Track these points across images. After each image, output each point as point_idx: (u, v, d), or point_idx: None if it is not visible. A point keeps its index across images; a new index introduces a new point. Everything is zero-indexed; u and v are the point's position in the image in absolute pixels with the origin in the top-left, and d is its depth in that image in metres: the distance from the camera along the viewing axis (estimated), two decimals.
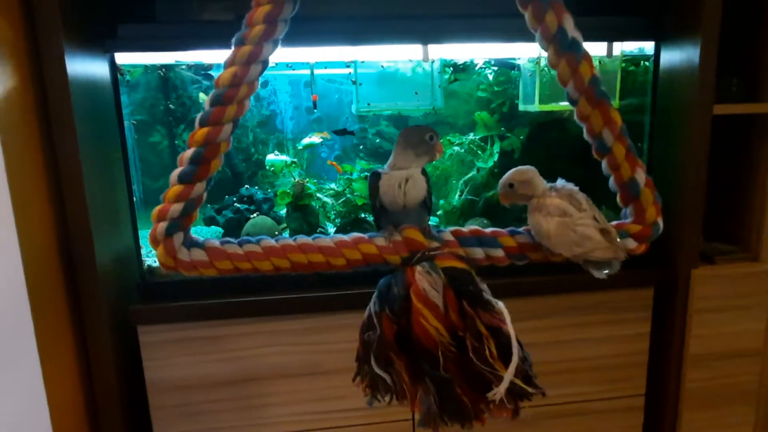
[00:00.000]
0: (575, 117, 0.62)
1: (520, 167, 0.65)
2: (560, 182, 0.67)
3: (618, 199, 0.65)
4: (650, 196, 0.63)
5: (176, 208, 0.57)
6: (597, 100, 0.58)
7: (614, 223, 0.65)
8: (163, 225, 0.57)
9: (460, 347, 0.58)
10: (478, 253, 0.63)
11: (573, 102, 0.60)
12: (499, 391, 0.56)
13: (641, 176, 0.62)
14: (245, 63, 0.57)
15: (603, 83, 1.39)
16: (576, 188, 0.66)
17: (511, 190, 0.64)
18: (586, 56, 0.58)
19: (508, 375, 0.57)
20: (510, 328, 0.59)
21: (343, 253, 0.61)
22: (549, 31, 0.56)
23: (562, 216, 0.61)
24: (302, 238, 0.62)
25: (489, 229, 0.65)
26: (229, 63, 0.57)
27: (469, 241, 0.63)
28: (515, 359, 0.57)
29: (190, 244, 0.60)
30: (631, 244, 0.65)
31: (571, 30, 0.56)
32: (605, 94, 0.60)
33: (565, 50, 0.57)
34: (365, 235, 0.63)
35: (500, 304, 0.60)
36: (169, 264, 0.59)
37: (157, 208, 0.58)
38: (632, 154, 0.61)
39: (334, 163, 1.39)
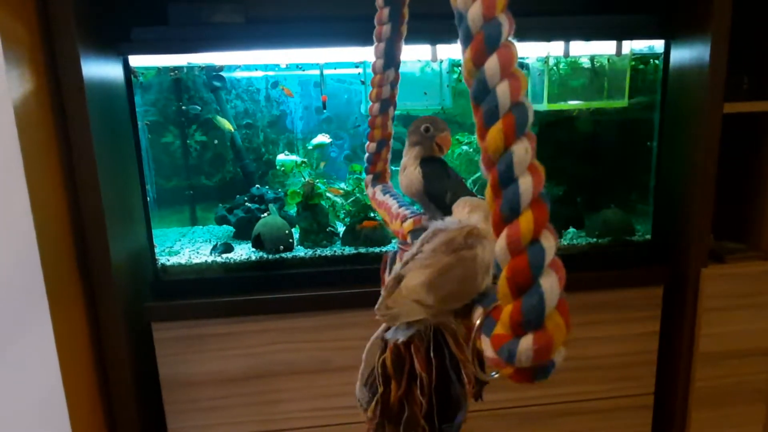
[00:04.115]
0: None
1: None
2: (448, 218, 0.48)
3: None
4: (505, 287, 0.32)
5: (367, 156, 0.78)
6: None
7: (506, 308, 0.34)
8: (364, 165, 0.80)
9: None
10: None
11: None
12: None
13: (501, 246, 0.32)
14: (375, 56, 0.72)
15: (612, 81, 1.40)
16: (442, 224, 0.46)
17: None
18: (474, 43, 0.33)
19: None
20: (364, 358, 0.54)
21: (391, 221, 0.67)
22: None
23: None
24: (392, 201, 0.69)
25: None
26: None
27: None
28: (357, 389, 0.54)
29: (374, 184, 0.79)
30: (488, 348, 0.34)
31: None
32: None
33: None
34: (413, 213, 0.65)
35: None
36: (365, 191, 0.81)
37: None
38: (499, 206, 0.32)
39: (286, 89, 1.40)
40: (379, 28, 0.70)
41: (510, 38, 0.33)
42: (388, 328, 0.54)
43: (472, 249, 0.43)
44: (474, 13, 0.32)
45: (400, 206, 0.67)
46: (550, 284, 0.32)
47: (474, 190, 1.48)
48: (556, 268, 0.33)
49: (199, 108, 1.38)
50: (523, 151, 0.31)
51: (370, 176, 0.80)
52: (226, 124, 1.38)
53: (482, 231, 0.44)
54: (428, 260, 0.44)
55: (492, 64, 0.32)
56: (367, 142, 0.78)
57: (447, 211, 0.63)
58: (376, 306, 0.46)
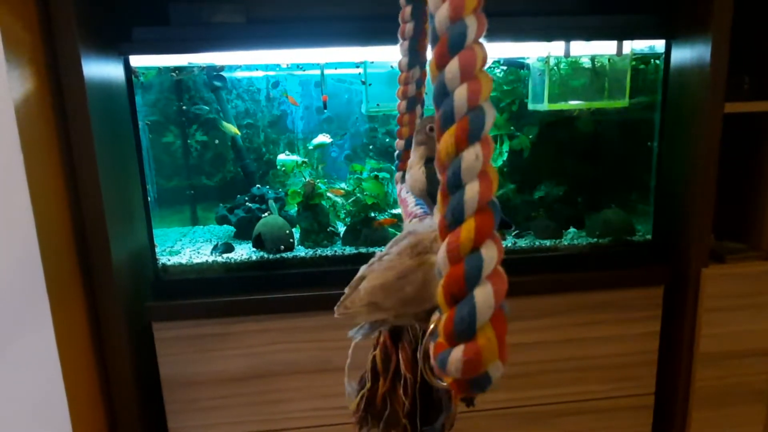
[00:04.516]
0: None
1: None
2: (427, 220, 0.49)
3: None
4: (441, 296, 0.32)
5: (396, 153, 0.79)
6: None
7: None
8: (395, 163, 0.81)
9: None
10: None
11: None
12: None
13: (441, 254, 0.32)
14: (400, 54, 0.72)
15: (613, 82, 1.39)
16: (414, 227, 0.46)
17: None
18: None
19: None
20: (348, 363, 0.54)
21: (405, 218, 0.68)
22: None
23: None
24: (411, 199, 0.70)
25: None
26: None
27: None
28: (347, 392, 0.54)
29: (403, 181, 0.78)
30: (432, 355, 0.34)
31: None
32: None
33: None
34: (424, 213, 0.65)
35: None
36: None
37: None
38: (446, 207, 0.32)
39: (290, 97, 1.40)
40: (402, 26, 0.70)
41: (479, 40, 0.31)
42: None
43: (436, 254, 0.43)
44: (441, 15, 0.31)
45: (416, 204, 0.67)
46: (484, 296, 0.31)
47: None
48: (496, 281, 0.31)
49: (207, 108, 1.38)
50: (473, 157, 0.30)
51: (400, 173, 0.81)
52: (232, 129, 1.38)
53: None
54: (392, 262, 0.44)
55: (452, 66, 0.31)
56: (397, 140, 0.79)
57: None
58: (336, 305, 0.46)
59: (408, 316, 0.44)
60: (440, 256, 0.32)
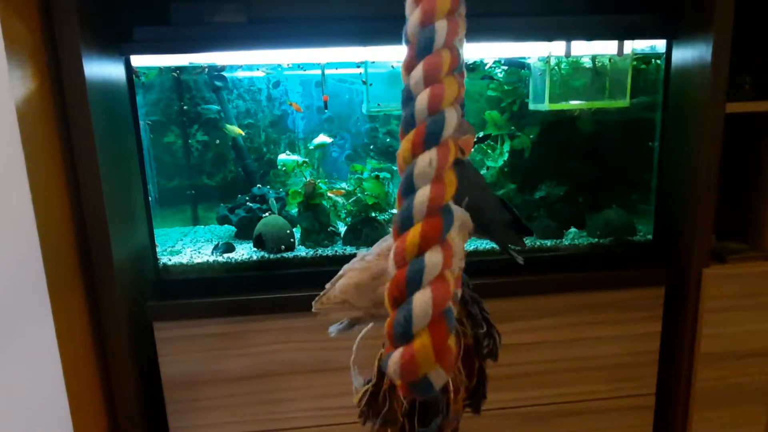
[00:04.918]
0: None
1: None
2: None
3: None
4: (386, 299, 0.32)
5: None
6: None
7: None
8: None
9: None
10: None
11: None
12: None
13: (391, 258, 0.33)
14: None
15: (614, 82, 1.40)
16: (379, 243, 0.49)
17: None
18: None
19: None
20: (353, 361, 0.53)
21: None
22: None
23: None
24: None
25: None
26: None
27: None
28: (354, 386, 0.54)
29: None
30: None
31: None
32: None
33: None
34: None
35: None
36: None
37: None
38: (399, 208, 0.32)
39: (294, 104, 1.40)
40: None
41: (451, 44, 0.31)
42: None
43: None
44: (413, 20, 0.31)
45: None
46: (423, 302, 0.30)
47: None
48: (437, 287, 0.31)
49: (216, 108, 1.38)
50: (426, 162, 0.30)
51: None
52: (236, 130, 1.38)
53: None
54: (370, 263, 0.44)
55: (417, 72, 0.31)
56: None
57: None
58: (315, 299, 0.46)
59: (383, 317, 0.45)
60: (390, 259, 0.32)
